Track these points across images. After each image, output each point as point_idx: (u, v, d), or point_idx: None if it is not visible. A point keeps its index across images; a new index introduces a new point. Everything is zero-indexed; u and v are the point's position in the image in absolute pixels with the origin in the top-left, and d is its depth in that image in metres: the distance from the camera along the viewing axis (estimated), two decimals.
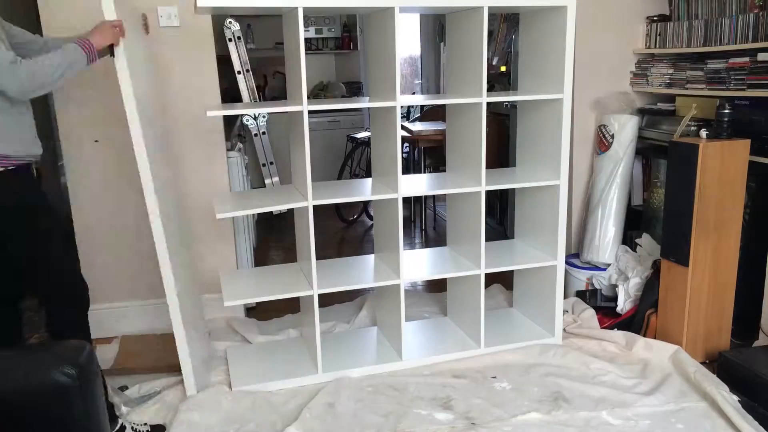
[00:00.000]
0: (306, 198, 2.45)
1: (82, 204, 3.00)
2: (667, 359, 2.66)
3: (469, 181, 2.71)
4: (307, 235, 2.50)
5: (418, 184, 2.78)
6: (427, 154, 5.00)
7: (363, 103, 2.63)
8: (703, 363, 2.63)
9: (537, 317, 3.00)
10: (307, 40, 6.45)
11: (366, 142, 5.22)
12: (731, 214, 2.64)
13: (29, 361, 1.60)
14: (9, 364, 1.60)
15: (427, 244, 4.74)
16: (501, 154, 4.19)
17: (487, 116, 2.57)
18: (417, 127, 4.94)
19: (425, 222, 5.04)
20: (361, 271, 2.75)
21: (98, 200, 3.00)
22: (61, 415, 1.57)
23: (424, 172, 5.04)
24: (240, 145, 3.66)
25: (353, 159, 5.37)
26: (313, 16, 6.30)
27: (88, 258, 3.07)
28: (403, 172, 2.54)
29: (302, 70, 2.31)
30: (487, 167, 2.63)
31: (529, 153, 2.93)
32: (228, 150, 3.19)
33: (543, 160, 2.81)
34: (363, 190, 2.67)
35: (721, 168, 2.58)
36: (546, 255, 2.84)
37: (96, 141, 2.94)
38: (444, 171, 3.00)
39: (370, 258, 2.91)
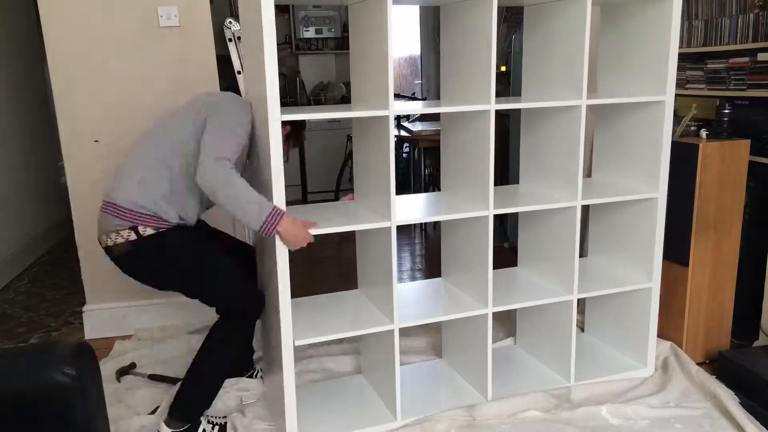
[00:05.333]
0: (388, 218, 2.12)
1: (82, 204, 3.00)
2: (667, 359, 2.66)
3: (556, 195, 2.40)
4: (385, 258, 2.18)
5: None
6: (427, 155, 5.00)
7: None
8: (703, 363, 2.63)
9: (620, 345, 2.71)
10: (306, 40, 6.45)
11: None
12: (731, 214, 2.64)
13: (29, 361, 1.60)
14: (9, 364, 1.60)
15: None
16: (501, 161, 4.13)
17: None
18: (417, 127, 4.94)
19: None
20: (437, 300, 2.41)
21: (98, 200, 3.00)
22: (61, 415, 1.57)
23: (425, 172, 5.04)
24: None
25: (353, 159, 5.37)
26: (314, 16, 6.31)
27: (88, 258, 3.07)
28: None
29: (389, 66, 1.99)
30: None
31: (613, 162, 2.64)
32: None
33: (633, 170, 2.54)
34: (439, 207, 2.33)
35: (721, 168, 2.58)
36: (638, 275, 2.57)
37: (96, 141, 2.94)
38: None
39: (438, 283, 2.60)
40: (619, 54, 2.57)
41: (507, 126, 4.09)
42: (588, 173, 2.89)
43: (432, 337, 2.95)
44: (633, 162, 2.55)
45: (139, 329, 3.10)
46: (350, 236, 4.91)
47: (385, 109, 2.04)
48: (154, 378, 2.63)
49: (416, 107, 2.36)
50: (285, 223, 1.97)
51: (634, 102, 2.48)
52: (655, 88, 2.41)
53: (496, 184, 2.41)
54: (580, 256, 2.59)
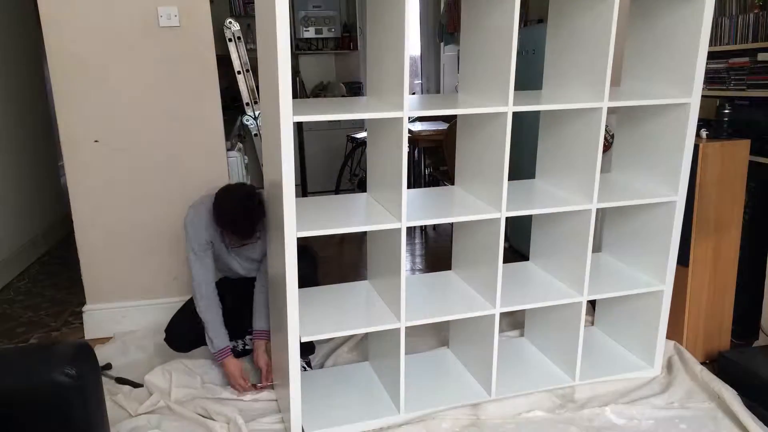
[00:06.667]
0: (399, 218, 2.12)
1: (82, 204, 3.00)
2: (671, 359, 2.65)
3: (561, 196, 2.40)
4: (394, 257, 2.19)
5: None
6: (427, 155, 5.00)
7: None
8: (703, 363, 2.63)
9: (629, 343, 2.72)
10: (306, 40, 6.45)
11: (366, 142, 5.22)
12: (731, 214, 2.64)
13: (29, 361, 1.60)
14: (9, 364, 1.60)
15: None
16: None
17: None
18: (417, 127, 4.94)
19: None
20: (444, 297, 2.41)
21: (98, 200, 3.00)
22: (61, 415, 1.57)
23: (424, 172, 5.04)
24: (240, 145, 3.66)
25: (353, 159, 5.38)
26: (314, 16, 6.31)
27: (88, 258, 3.07)
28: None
29: (405, 64, 1.94)
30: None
31: (634, 161, 2.60)
32: (228, 150, 3.19)
33: (653, 171, 2.51)
34: (450, 206, 2.32)
35: (721, 168, 2.58)
36: (651, 277, 2.56)
37: (96, 141, 2.94)
38: (444, 170, 2.95)
39: (450, 276, 2.58)
40: (645, 52, 2.50)
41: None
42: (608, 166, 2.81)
43: (440, 326, 2.94)
44: (653, 163, 2.51)
45: (117, 332, 3.07)
46: (351, 237, 4.93)
47: (399, 110, 2.00)
48: (121, 381, 2.59)
49: (431, 108, 2.34)
50: (227, 364, 2.50)
51: (657, 104, 2.43)
52: (681, 90, 2.34)
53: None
54: (594, 251, 2.59)
